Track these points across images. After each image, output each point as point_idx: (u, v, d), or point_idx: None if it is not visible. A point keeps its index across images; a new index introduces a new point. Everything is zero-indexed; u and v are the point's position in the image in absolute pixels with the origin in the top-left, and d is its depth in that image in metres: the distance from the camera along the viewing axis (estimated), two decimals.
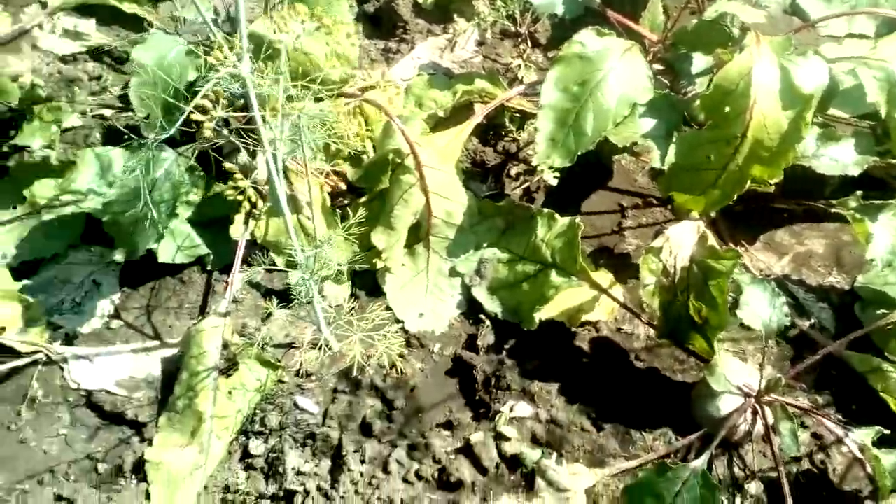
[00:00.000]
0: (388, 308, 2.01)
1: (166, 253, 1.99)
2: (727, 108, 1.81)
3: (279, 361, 1.93)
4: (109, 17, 2.42)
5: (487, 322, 2.04)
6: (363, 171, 2.07)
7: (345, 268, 1.95)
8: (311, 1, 2.06)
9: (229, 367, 1.89)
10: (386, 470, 1.84)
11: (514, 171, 2.31)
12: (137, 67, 1.95)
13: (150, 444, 1.90)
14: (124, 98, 2.30)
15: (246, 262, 2.03)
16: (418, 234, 2.04)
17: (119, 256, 1.91)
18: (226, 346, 1.91)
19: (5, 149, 2.17)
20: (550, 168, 2.07)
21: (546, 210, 1.98)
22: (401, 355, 1.92)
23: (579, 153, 1.91)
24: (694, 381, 1.93)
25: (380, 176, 2.02)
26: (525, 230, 2.00)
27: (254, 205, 1.97)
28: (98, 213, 1.90)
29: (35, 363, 2.00)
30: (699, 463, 1.66)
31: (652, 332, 1.96)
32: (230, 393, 1.89)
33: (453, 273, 2.06)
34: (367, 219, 1.80)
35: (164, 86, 1.92)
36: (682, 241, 1.78)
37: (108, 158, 1.93)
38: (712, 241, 1.79)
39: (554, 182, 2.17)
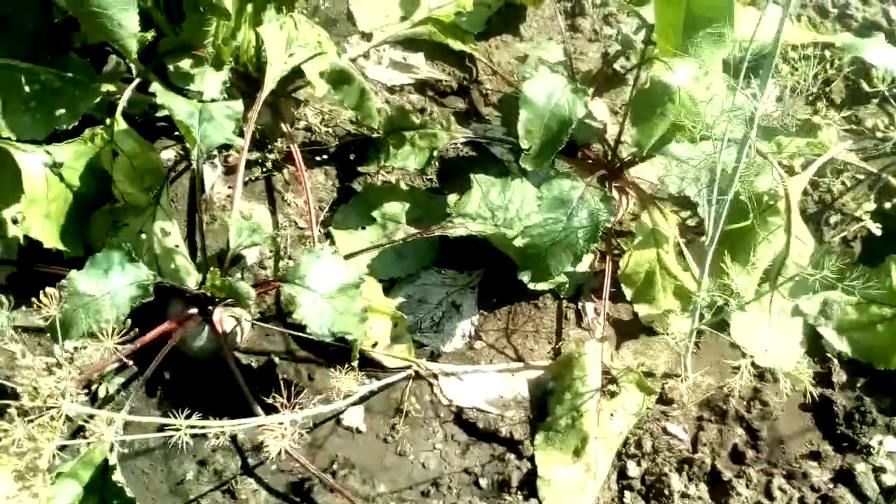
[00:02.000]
0: (732, 344, 2.11)
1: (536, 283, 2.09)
2: None
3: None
4: (435, 52, 2.54)
5: (835, 360, 2.14)
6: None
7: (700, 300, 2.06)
8: None
9: (609, 390, 1.98)
10: (769, 496, 1.92)
11: (832, 220, 2.43)
12: (526, 102, 2.06)
13: (531, 461, 1.97)
14: None
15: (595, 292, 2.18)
16: (767, 274, 2.15)
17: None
18: (605, 370, 2.00)
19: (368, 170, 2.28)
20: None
21: None
22: (756, 388, 2.03)
23: None
24: None
25: (741, 216, 2.12)
26: (874, 274, 2.10)
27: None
28: (490, 238, 2.01)
29: (406, 378, 2.07)
30: None
31: None
32: (612, 415, 1.98)
33: (795, 312, 2.16)
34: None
35: (551, 120, 2.04)
36: None
37: (489, 184, 2.03)
38: None
39: (878, 231, 2.29)
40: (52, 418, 1.46)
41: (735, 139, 1.73)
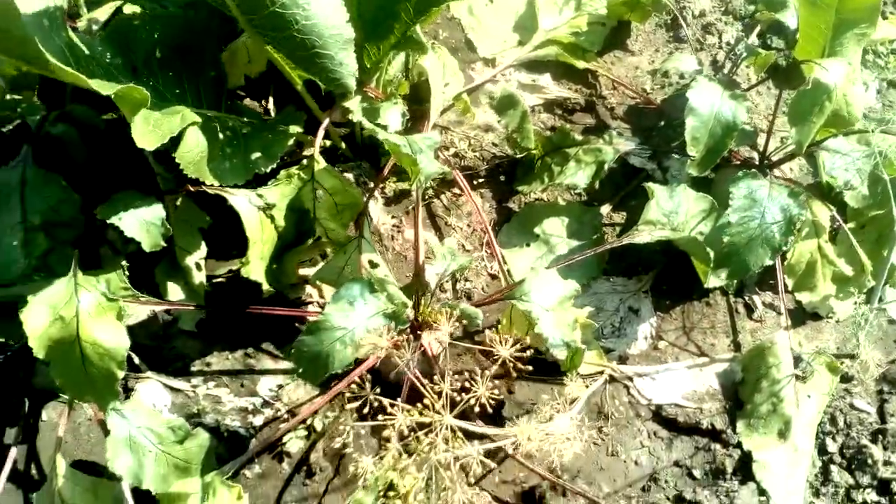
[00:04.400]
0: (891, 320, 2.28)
1: (714, 280, 2.21)
2: None
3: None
4: (559, 72, 2.65)
5: None
6: None
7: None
8: None
9: (802, 374, 2.11)
10: None
11: None
12: (691, 111, 2.19)
13: (739, 448, 2.09)
14: None
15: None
16: None
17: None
18: (796, 356, 2.13)
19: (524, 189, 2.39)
20: None
21: None
22: None
23: None
24: None
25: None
26: None
27: None
28: (677, 241, 2.13)
29: (602, 382, 2.17)
30: None
31: None
32: (808, 396, 2.11)
33: None
34: None
35: (715, 126, 2.17)
36: None
37: (660, 191, 2.15)
38: None
39: None
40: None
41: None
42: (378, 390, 1.66)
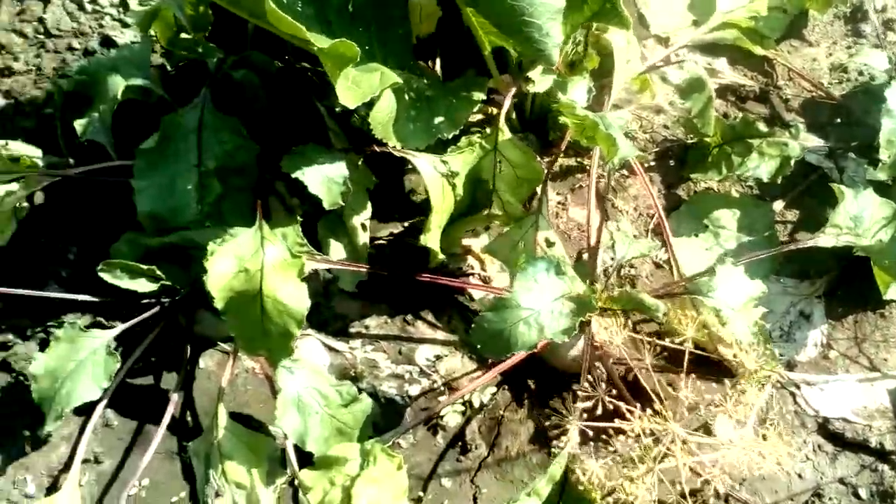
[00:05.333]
0: None
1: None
2: None
3: None
4: (735, 57, 2.53)
5: None
6: None
7: None
8: None
9: None
10: None
11: None
12: (888, 112, 2.06)
13: None
14: None
15: None
16: None
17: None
18: None
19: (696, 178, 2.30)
20: None
21: None
22: None
23: None
24: None
25: None
26: None
27: None
28: (862, 248, 2.02)
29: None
30: None
31: None
32: None
33: None
34: None
35: None
36: None
37: (847, 194, 2.04)
38: None
39: None
40: None
41: None
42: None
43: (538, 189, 2.04)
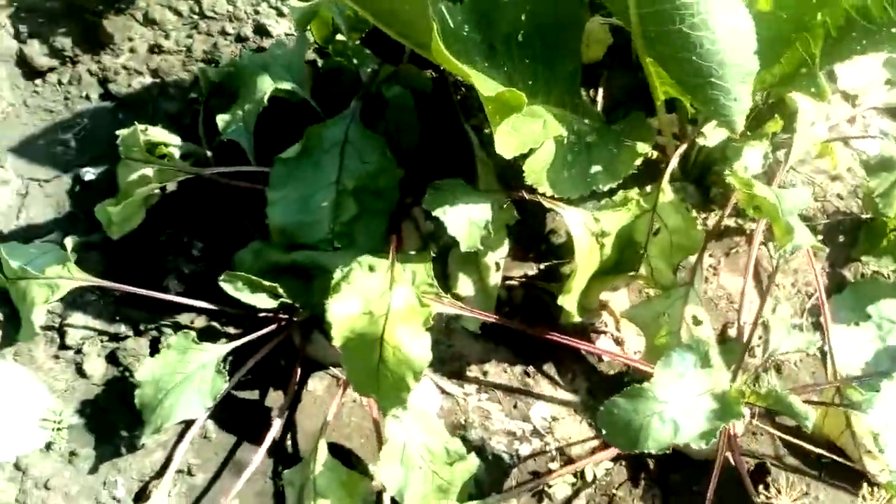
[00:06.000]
0: None
1: None
2: None
3: None
4: None
5: None
6: None
7: None
8: None
9: None
10: None
11: None
12: None
13: None
14: None
15: None
16: None
17: None
18: None
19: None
20: None
21: None
22: None
23: None
24: None
25: None
26: None
27: None
28: None
29: None
30: None
31: None
32: None
33: None
34: None
35: None
36: None
37: None
38: None
39: None
40: None
41: None
42: None
43: (692, 257, 1.86)
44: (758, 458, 1.92)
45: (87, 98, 2.27)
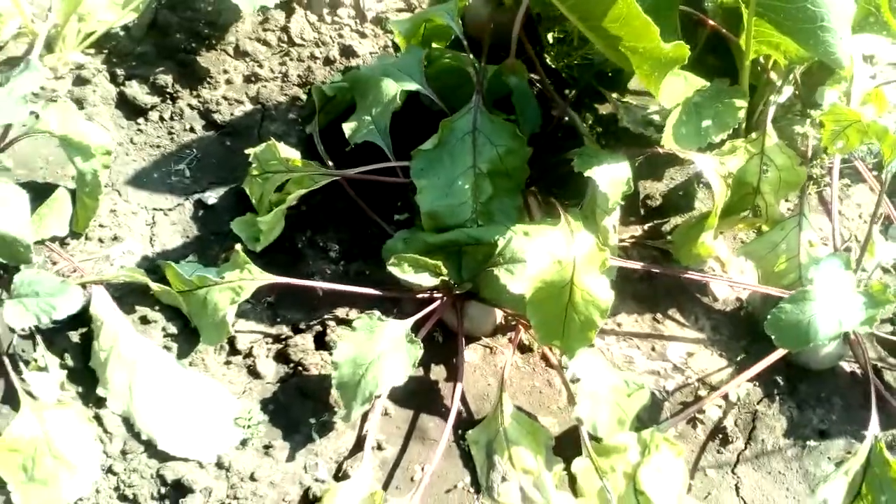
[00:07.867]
0: None
1: None
2: None
3: None
4: None
5: None
6: None
7: None
8: None
9: None
10: None
11: None
12: None
13: None
14: None
15: None
16: None
17: None
18: None
19: None
20: None
21: None
22: None
23: None
24: None
25: None
26: None
27: None
28: None
29: None
30: None
31: None
32: None
33: None
34: None
35: None
36: None
37: None
38: None
39: None
40: None
41: None
42: None
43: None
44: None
45: (192, 130, 2.38)
